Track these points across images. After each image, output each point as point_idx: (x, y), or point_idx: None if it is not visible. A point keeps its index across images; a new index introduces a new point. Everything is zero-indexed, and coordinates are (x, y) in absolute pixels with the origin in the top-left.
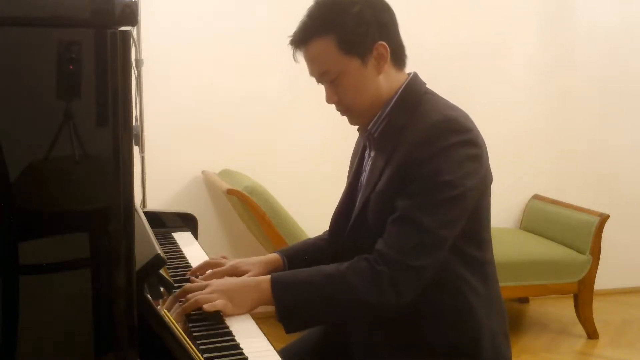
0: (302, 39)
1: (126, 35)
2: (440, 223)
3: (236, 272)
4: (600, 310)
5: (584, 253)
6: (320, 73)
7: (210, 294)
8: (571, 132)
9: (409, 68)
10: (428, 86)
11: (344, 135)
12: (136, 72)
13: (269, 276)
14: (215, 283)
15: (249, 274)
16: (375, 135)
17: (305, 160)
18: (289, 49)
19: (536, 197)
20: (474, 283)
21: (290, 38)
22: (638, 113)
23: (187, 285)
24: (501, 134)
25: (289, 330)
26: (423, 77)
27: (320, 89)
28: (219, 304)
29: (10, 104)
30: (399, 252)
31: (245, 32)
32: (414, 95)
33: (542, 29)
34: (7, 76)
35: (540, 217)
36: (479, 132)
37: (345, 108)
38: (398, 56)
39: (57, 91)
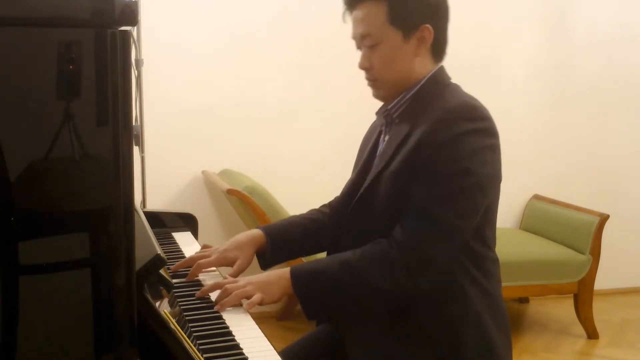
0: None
1: (126, 35)
2: (456, 213)
3: (226, 261)
4: (600, 310)
5: (584, 253)
6: (362, 36)
7: (245, 288)
8: (571, 133)
9: None
10: None
11: (344, 135)
12: (136, 72)
13: (289, 269)
14: (246, 278)
15: (238, 261)
16: (394, 116)
17: (306, 160)
18: (290, 49)
19: (536, 197)
20: (474, 273)
21: None
22: (637, 113)
23: (221, 282)
24: (501, 135)
25: (310, 317)
26: None
27: (322, 90)
28: (256, 298)
29: (10, 104)
30: (413, 241)
31: (246, 32)
32: (438, 84)
33: (542, 31)
34: (7, 76)
35: (540, 217)
36: (494, 124)
37: (373, 77)
38: (439, 47)
39: (57, 91)
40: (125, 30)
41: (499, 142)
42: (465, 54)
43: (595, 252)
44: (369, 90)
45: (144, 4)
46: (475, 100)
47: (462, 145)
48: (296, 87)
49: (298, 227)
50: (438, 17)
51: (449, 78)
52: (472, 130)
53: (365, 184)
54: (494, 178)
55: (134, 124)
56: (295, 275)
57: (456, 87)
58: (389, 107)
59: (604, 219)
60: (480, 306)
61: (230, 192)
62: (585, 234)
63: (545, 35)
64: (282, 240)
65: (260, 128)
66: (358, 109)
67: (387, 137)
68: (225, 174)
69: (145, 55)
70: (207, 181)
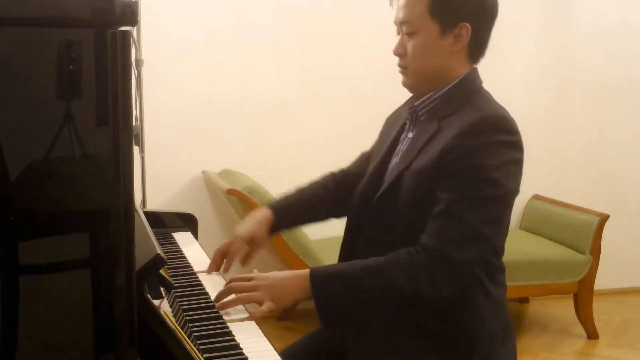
0: None
1: (126, 35)
2: (483, 220)
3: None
4: (600, 310)
5: (584, 253)
6: (402, 21)
7: (253, 292)
8: (571, 132)
9: None
10: None
11: (345, 136)
12: (136, 72)
13: (308, 270)
14: (260, 277)
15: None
16: (420, 113)
17: (306, 160)
18: (290, 49)
19: (536, 197)
20: (487, 284)
21: None
22: (638, 113)
23: (232, 279)
24: None
25: (327, 324)
26: None
27: (322, 90)
28: (264, 308)
29: (10, 104)
30: (439, 244)
31: (246, 32)
32: (470, 86)
33: (541, 28)
34: (7, 76)
35: (540, 217)
36: (522, 140)
37: (405, 64)
38: (476, 49)
39: (57, 91)
40: (125, 30)
41: (523, 157)
42: None
43: (595, 252)
44: (369, 91)
45: (144, 4)
46: (507, 112)
47: (492, 155)
48: (296, 87)
49: (306, 204)
50: (480, 18)
51: (480, 82)
52: (504, 142)
53: (387, 182)
54: (515, 192)
55: (134, 124)
56: (314, 277)
57: (487, 94)
58: (416, 103)
59: (604, 219)
60: (491, 318)
61: (230, 192)
62: (585, 234)
63: (545, 34)
64: (289, 218)
65: (260, 128)
66: (359, 110)
67: (410, 135)
68: (225, 174)
69: (145, 55)
70: (207, 181)
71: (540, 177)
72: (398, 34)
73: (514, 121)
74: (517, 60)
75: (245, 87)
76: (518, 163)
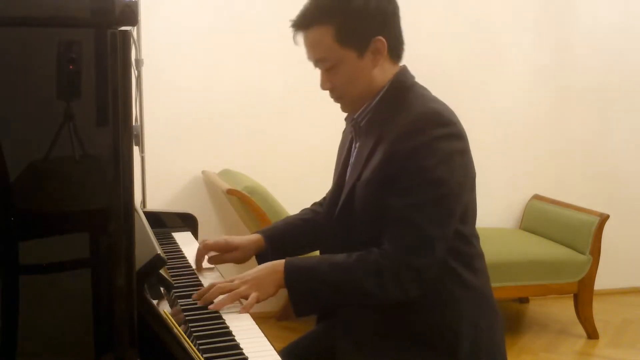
0: (302, 24)
1: (126, 35)
2: (434, 221)
3: (227, 247)
4: (600, 310)
5: (584, 253)
6: (317, 59)
7: (239, 288)
8: (571, 132)
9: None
10: (427, 87)
11: None
12: (136, 72)
13: (283, 261)
14: (239, 276)
15: (236, 254)
16: (362, 124)
17: (306, 160)
18: (290, 49)
19: (536, 197)
20: (464, 275)
21: (292, 21)
22: (638, 112)
23: (213, 283)
24: (501, 134)
25: (298, 313)
26: (421, 79)
27: (322, 90)
28: (252, 300)
29: (10, 104)
30: (397, 251)
31: (245, 32)
32: (401, 87)
33: (541, 27)
34: (7, 76)
35: (540, 217)
36: (461, 125)
37: (337, 95)
38: (395, 50)
39: (57, 91)
40: (125, 30)
41: (467, 144)
42: (464, 53)
43: (595, 252)
44: None
45: (144, 4)
46: (440, 103)
47: (431, 152)
48: (297, 87)
49: (294, 228)
50: (387, 24)
51: (412, 78)
52: (440, 137)
53: (343, 195)
54: (466, 182)
55: (134, 124)
56: (288, 270)
57: (419, 90)
58: (355, 116)
59: (604, 219)
60: (471, 307)
61: (230, 192)
62: (585, 234)
63: (545, 34)
64: (281, 243)
65: (260, 128)
66: None
67: (357, 145)
68: (225, 174)
69: (145, 55)
70: (207, 181)
71: (540, 177)
72: (316, 67)
73: (450, 111)
74: (517, 60)
75: (245, 86)
76: (462, 152)
